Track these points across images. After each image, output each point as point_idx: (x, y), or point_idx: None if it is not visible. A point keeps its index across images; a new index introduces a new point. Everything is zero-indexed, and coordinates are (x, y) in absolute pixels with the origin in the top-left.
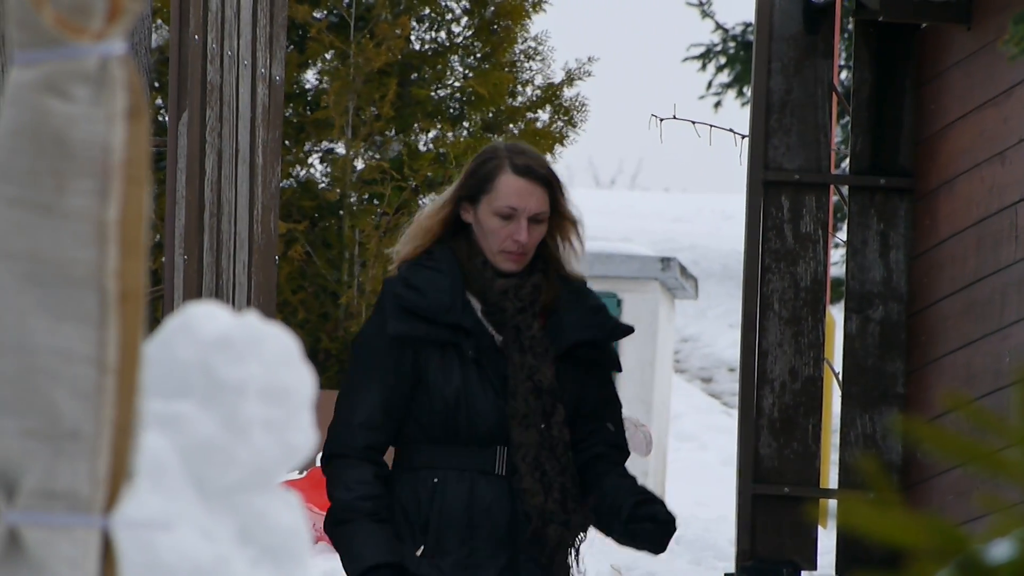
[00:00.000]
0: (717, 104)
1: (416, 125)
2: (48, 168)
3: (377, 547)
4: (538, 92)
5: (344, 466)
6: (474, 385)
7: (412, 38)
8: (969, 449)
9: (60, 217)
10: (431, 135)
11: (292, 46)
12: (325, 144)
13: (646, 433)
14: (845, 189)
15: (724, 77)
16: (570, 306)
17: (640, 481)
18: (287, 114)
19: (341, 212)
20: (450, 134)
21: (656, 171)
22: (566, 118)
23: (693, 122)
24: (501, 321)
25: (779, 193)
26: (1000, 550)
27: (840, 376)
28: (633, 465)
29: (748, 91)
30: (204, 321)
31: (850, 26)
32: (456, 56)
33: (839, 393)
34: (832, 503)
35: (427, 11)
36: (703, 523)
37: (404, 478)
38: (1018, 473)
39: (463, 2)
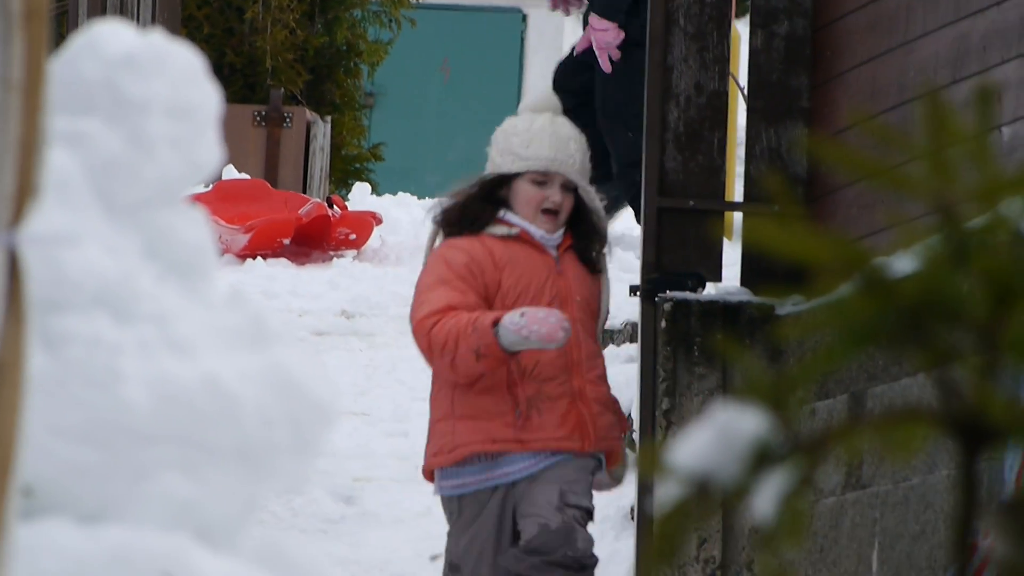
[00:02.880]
0: None
1: None
2: None
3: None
4: None
5: None
6: None
7: None
8: (872, 164)
9: None
10: None
11: None
12: None
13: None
14: None
15: None
16: None
17: None
18: None
19: None
20: None
21: None
22: None
23: None
24: None
25: None
26: (902, 264)
27: (745, 90)
28: None
29: None
30: (109, 38)
31: None
32: None
33: (744, 108)
34: (737, 217)
35: None
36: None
37: None
38: (920, 188)
39: None
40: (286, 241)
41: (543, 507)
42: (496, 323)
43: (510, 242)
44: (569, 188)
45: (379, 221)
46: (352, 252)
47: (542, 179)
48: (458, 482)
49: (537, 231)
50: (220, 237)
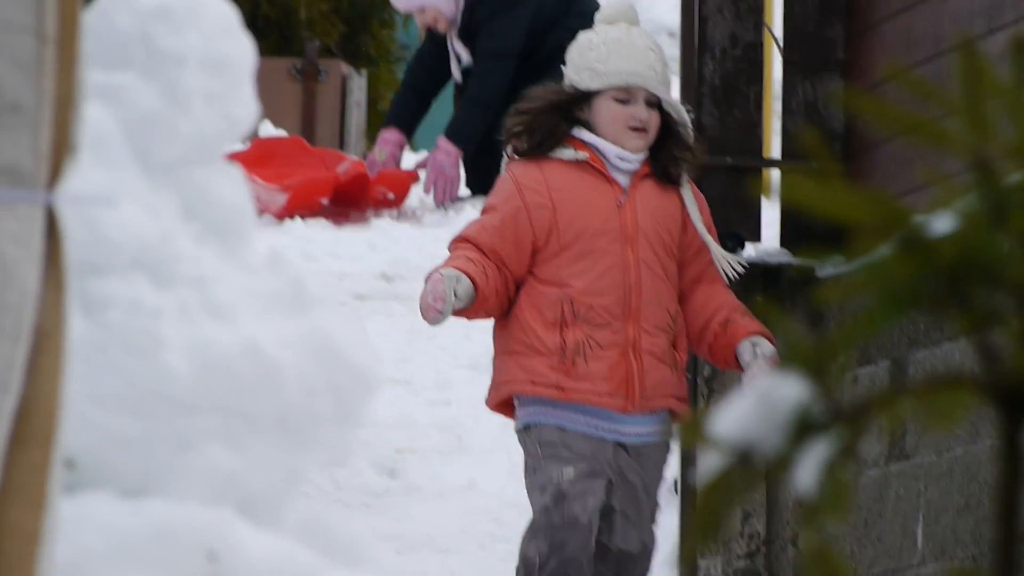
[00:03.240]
0: None
1: None
2: None
3: None
4: None
5: None
6: None
7: None
8: (909, 120)
9: None
10: None
11: None
12: None
13: None
14: None
15: None
16: None
17: None
18: None
19: None
20: None
21: None
22: None
23: None
24: None
25: None
26: (941, 223)
27: (780, 42)
28: None
29: None
30: None
31: None
32: None
33: (779, 60)
34: (775, 174)
35: None
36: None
37: None
38: (958, 144)
39: None
40: (325, 201)
41: (647, 520)
42: (431, 275)
43: (574, 169)
44: (652, 103)
45: (417, 179)
46: (391, 212)
47: (625, 96)
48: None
49: (618, 152)
50: (258, 197)
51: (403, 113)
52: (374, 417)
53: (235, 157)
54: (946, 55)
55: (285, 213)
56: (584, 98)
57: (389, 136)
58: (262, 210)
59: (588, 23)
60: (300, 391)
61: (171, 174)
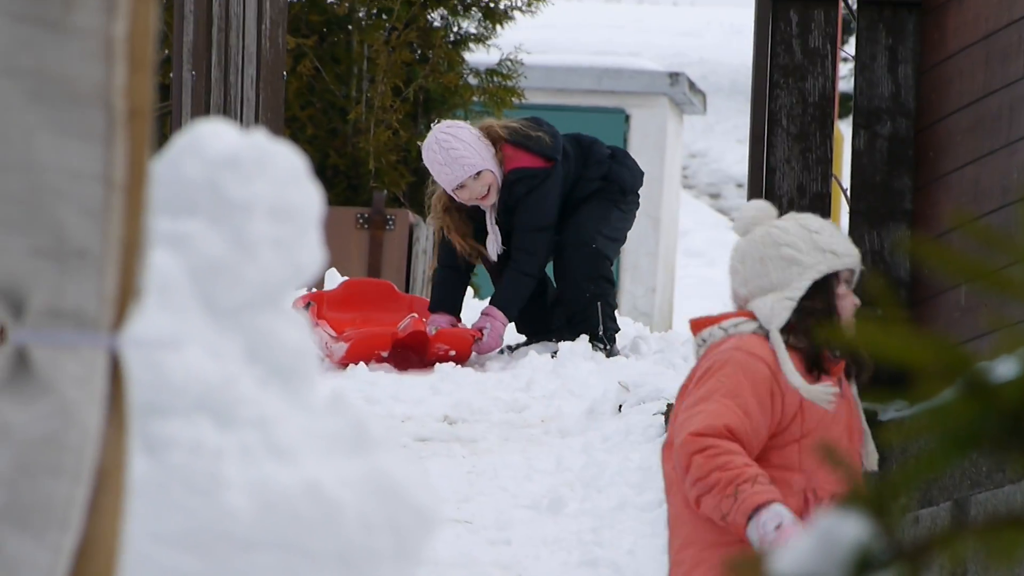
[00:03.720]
0: None
1: None
2: None
3: None
4: None
5: None
6: None
7: None
8: (975, 267)
9: (67, 32)
10: None
11: None
12: None
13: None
14: (854, 3)
15: None
16: None
17: (649, 297)
18: None
19: (350, 26)
20: None
21: None
22: None
23: None
24: None
25: (788, 7)
26: (1005, 368)
27: (848, 192)
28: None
29: None
30: (212, 139)
31: None
32: None
33: (847, 209)
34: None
35: None
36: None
37: None
38: (1022, 291)
39: None
40: (384, 354)
41: None
42: (757, 509)
43: None
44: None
45: (480, 337)
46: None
47: (849, 278)
48: None
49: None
50: (325, 344)
51: (447, 295)
52: (435, 555)
53: (322, 296)
54: (1013, 206)
55: (345, 362)
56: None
57: (439, 319)
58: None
59: (605, 167)
60: (360, 528)
61: (235, 318)
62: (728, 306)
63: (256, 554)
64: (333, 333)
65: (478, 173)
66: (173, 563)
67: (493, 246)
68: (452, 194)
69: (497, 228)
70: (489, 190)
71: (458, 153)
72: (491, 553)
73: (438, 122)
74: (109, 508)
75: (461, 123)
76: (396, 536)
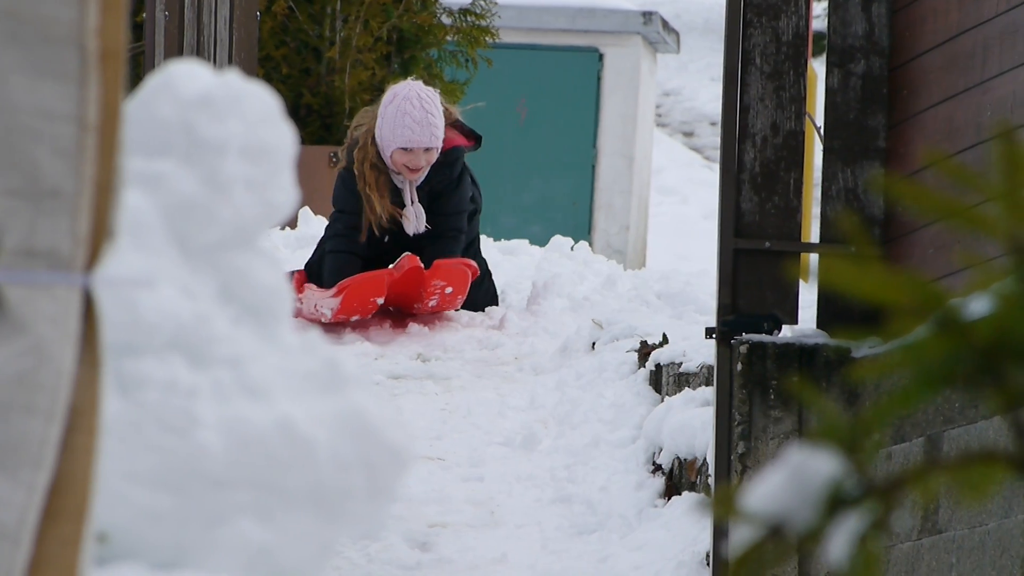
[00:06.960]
0: None
1: None
2: None
3: None
4: None
5: None
6: None
7: None
8: (948, 205)
9: None
10: None
11: None
12: None
13: None
14: None
15: None
16: None
17: (623, 235)
18: None
19: None
20: None
21: None
22: None
23: None
24: None
25: None
26: (978, 305)
27: (821, 130)
28: (616, 219)
29: None
30: (185, 79)
31: None
32: None
33: (820, 147)
34: (813, 258)
35: None
36: (685, 277)
37: None
38: (996, 228)
39: None
40: (379, 300)
41: None
42: None
43: None
44: None
45: (475, 271)
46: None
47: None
48: None
49: None
50: (315, 306)
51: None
52: (408, 492)
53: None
54: (986, 144)
55: (338, 318)
56: None
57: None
58: (312, 321)
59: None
60: (333, 467)
61: (209, 258)
62: (701, 242)
63: (229, 492)
64: (320, 293)
65: (431, 149)
66: (146, 501)
67: (413, 222)
68: (389, 153)
69: (420, 206)
70: (428, 165)
71: (434, 120)
72: (464, 490)
73: (416, 77)
74: (83, 447)
75: (435, 92)
76: (369, 473)
